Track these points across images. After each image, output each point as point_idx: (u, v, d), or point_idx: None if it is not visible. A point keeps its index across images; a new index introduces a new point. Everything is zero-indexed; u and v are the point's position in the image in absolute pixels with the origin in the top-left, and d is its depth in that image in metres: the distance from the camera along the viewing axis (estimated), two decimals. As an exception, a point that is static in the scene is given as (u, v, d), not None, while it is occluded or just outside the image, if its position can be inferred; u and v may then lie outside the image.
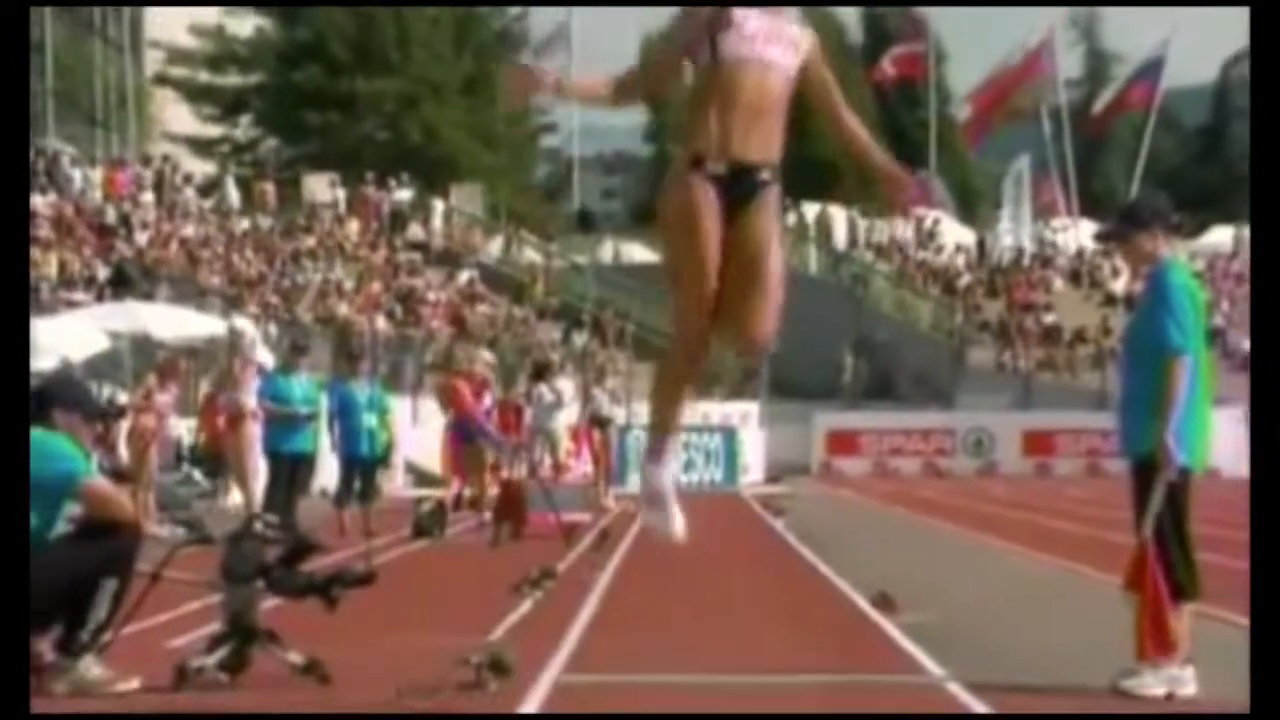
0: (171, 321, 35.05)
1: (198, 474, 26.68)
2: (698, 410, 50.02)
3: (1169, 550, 9.29)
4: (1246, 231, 66.62)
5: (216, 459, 26.31)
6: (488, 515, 23.54)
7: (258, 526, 10.19)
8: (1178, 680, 9.12)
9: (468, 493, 27.07)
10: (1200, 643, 9.45)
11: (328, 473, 24.86)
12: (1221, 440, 11.77)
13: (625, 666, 10.35)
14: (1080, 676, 9.64)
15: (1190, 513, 9.47)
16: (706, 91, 6.79)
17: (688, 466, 47.16)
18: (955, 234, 67.33)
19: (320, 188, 57.90)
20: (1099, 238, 9.89)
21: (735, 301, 7.04)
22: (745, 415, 50.24)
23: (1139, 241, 9.70)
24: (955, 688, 9.56)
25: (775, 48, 6.85)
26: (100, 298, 38.71)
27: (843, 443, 52.47)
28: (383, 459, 25.00)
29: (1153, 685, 9.14)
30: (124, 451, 24.52)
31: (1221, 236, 68.03)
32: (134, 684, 9.18)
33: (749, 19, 6.85)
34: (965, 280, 62.95)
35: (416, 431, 38.87)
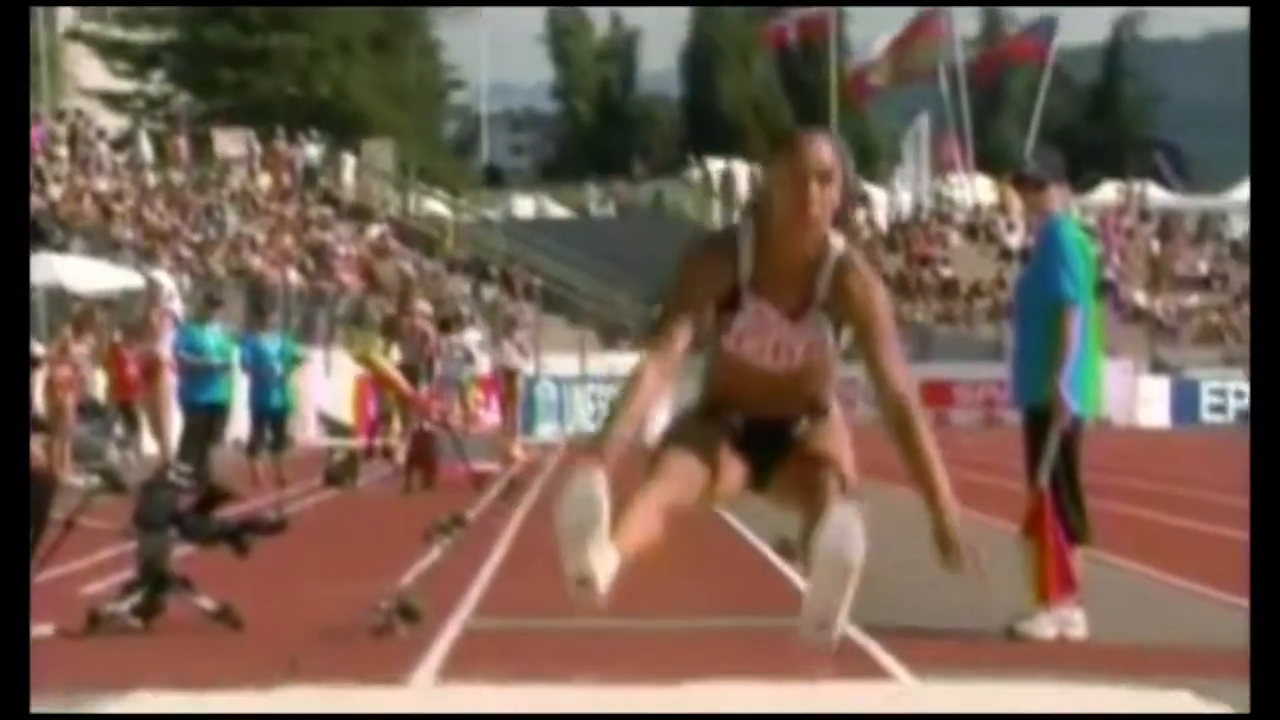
0: (86, 274, 34.77)
1: (118, 425, 26.51)
2: (604, 361, 50.07)
3: (1063, 497, 9.39)
4: (1136, 187, 67.17)
5: (124, 408, 26.16)
6: (400, 453, 23.50)
7: (171, 475, 10.15)
8: (1067, 622, 9.23)
9: (379, 442, 27.01)
10: (1089, 586, 9.56)
11: (241, 423, 24.76)
12: (1111, 390, 11.85)
13: (534, 611, 10.36)
14: (976, 621, 9.72)
15: (1081, 461, 9.57)
16: (715, 362, 5.68)
17: (595, 417, 47.20)
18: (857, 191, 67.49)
19: (232, 143, 57.45)
20: (1014, 182, 9.96)
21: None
22: (650, 366, 50.25)
23: (1033, 197, 9.77)
24: (854, 631, 9.59)
25: (783, 359, 5.53)
26: (15, 250, 38.27)
27: (747, 394, 52.54)
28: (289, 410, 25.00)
29: (1045, 627, 9.24)
30: (40, 402, 24.34)
31: (1112, 193, 68.51)
32: (47, 630, 9.13)
33: (753, 334, 5.51)
34: (865, 235, 63.16)
35: (329, 383, 38.72)
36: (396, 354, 24.44)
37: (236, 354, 23.41)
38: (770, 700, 7.05)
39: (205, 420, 21.51)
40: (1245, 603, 10.87)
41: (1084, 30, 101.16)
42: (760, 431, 5.65)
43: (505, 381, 30.16)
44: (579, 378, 48.10)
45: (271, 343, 24.27)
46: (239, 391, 23.65)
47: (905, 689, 7.86)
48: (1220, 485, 23.62)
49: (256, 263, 46.17)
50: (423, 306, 26.83)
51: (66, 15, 77.61)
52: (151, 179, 50.93)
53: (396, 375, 23.86)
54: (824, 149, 5.28)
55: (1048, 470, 9.40)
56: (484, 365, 32.50)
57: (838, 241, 5.39)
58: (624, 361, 50.14)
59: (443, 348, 27.13)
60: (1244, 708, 6.77)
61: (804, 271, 5.38)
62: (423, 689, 7.84)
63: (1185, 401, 53.20)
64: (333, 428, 38.63)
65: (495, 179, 70.75)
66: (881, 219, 64.94)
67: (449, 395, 27.21)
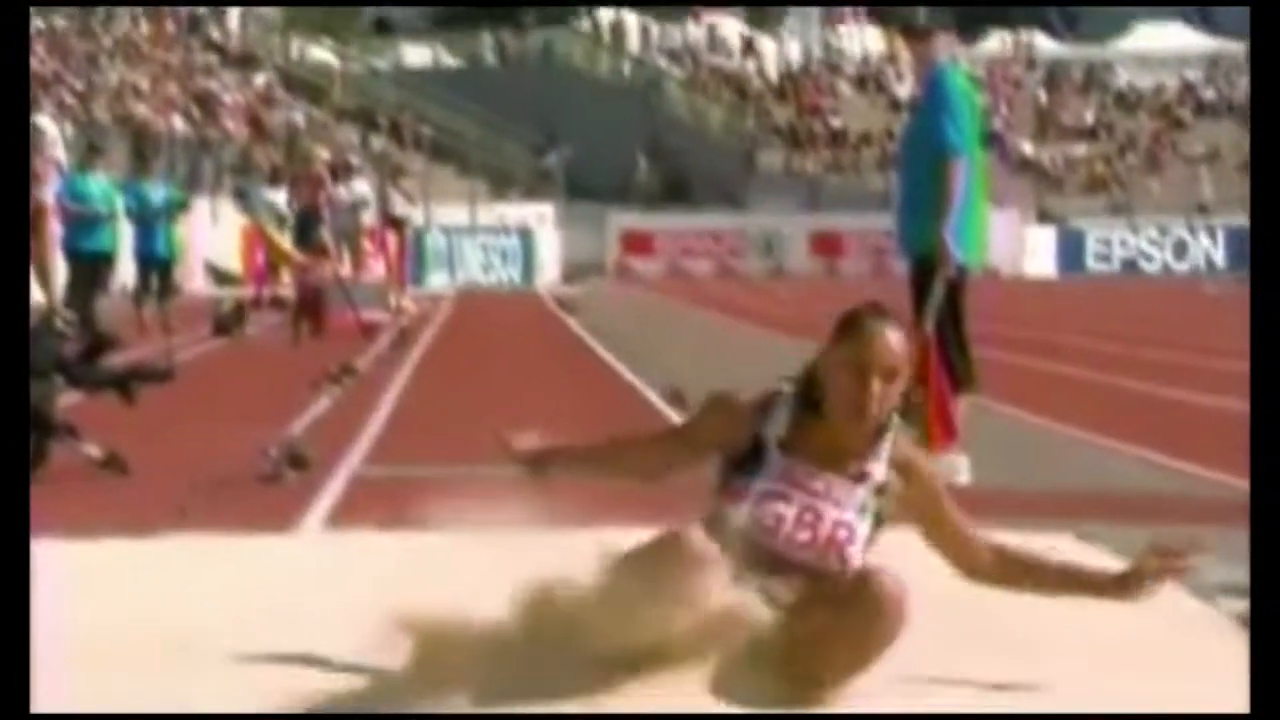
0: (-34, 121, 34.19)
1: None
2: (494, 211, 49.89)
3: (948, 345, 9.46)
4: (1023, 36, 67.23)
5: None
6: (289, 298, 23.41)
7: (57, 323, 10.06)
8: (951, 467, 9.33)
9: (267, 292, 26.85)
10: (973, 433, 9.66)
11: (127, 272, 24.55)
12: (998, 240, 11.93)
13: (423, 459, 10.37)
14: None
15: (966, 309, 9.63)
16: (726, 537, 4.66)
17: (485, 268, 47.11)
18: (746, 40, 67.27)
19: (116, -12, 56.50)
20: (902, 32, 9.95)
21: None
22: (541, 216, 50.18)
23: (920, 47, 9.77)
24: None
25: (804, 532, 4.68)
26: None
27: (637, 244, 52.58)
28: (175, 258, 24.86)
29: (931, 473, 9.34)
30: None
31: (999, 42, 68.55)
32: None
33: (776, 496, 4.69)
34: (756, 85, 63.03)
35: (216, 232, 38.41)
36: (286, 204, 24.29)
37: (120, 202, 23.17)
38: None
39: (90, 268, 21.30)
40: (1128, 448, 11.03)
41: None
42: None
43: (393, 232, 29.97)
44: (469, 228, 47.93)
45: (155, 190, 24.04)
46: (124, 240, 23.42)
47: None
48: (1105, 333, 23.89)
49: (141, 110, 45.57)
50: (320, 153, 26.63)
51: None
52: (34, 24, 50.07)
53: (289, 249, 23.74)
54: (892, 343, 4.72)
55: (932, 318, 9.46)
56: (371, 215, 32.30)
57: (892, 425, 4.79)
58: (514, 212, 50.11)
59: (331, 197, 26.94)
60: (1124, 552, 6.89)
61: (847, 454, 4.74)
62: (310, 536, 7.85)
63: (1071, 251, 53.67)
64: (220, 277, 38.37)
65: (384, 28, 69.85)
66: (771, 69, 64.80)
67: (340, 246, 27.06)
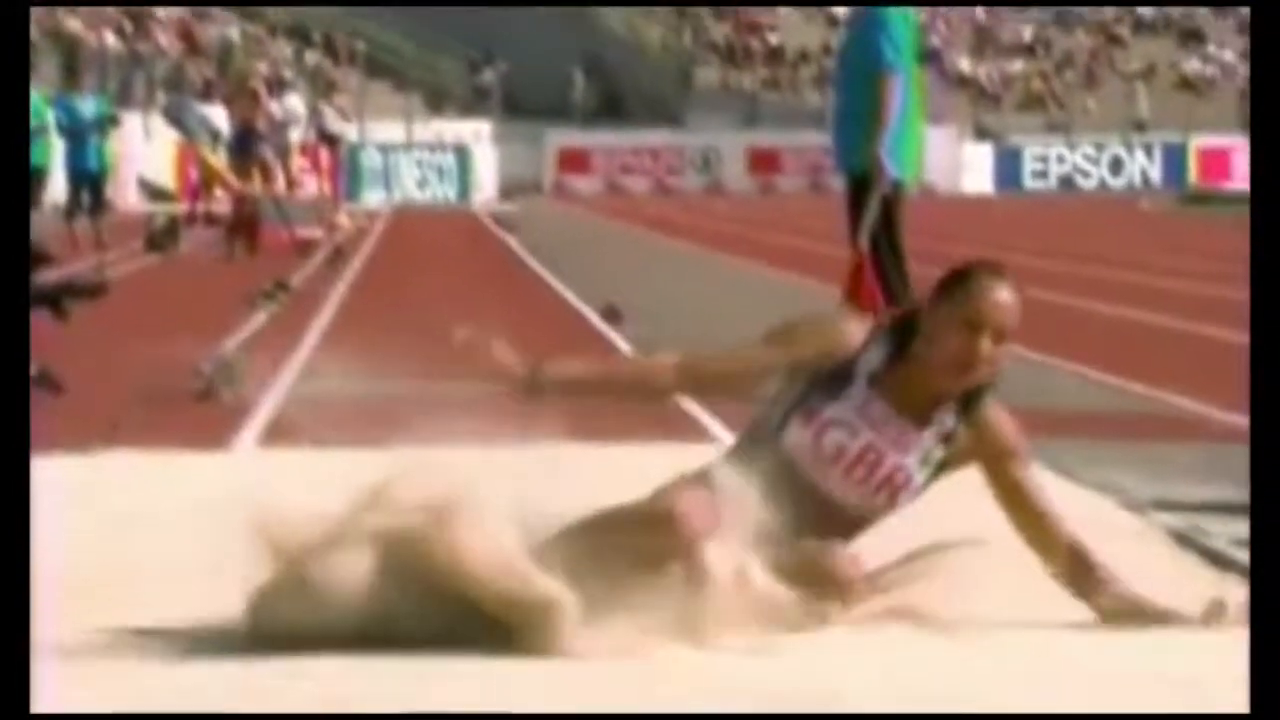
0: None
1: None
2: (430, 128, 49.65)
3: (883, 261, 9.47)
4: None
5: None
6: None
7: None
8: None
9: (201, 208, 26.70)
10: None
11: (58, 187, 24.35)
12: (935, 157, 11.92)
13: (358, 376, 10.33)
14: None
15: (902, 225, 9.64)
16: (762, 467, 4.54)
17: (422, 184, 46.92)
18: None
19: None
20: None
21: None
22: (477, 133, 49.94)
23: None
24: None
25: (857, 475, 4.57)
26: None
27: (574, 161, 52.42)
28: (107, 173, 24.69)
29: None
30: None
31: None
32: None
33: (844, 427, 4.57)
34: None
35: (148, 147, 38.12)
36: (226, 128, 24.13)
37: (50, 116, 22.96)
38: (598, 461, 7.08)
39: (21, 185, 21.12)
40: (1065, 364, 11.08)
41: None
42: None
43: (327, 148, 29.84)
44: (405, 145, 47.69)
45: (86, 105, 23.82)
46: (55, 155, 23.24)
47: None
48: (1042, 250, 23.97)
49: (72, 24, 45.10)
50: (256, 68, 26.45)
51: None
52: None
53: (222, 165, 23.57)
54: (1007, 302, 4.56)
55: (867, 234, 9.46)
56: (306, 131, 32.13)
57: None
58: (450, 129, 49.82)
59: (270, 112, 26.78)
60: (1062, 468, 6.93)
61: (931, 403, 4.62)
62: (244, 453, 7.82)
63: (1008, 168, 53.76)
64: (154, 193, 38.11)
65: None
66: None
67: (275, 162, 26.92)
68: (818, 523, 4.51)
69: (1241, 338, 13.12)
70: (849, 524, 4.57)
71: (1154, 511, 6.24)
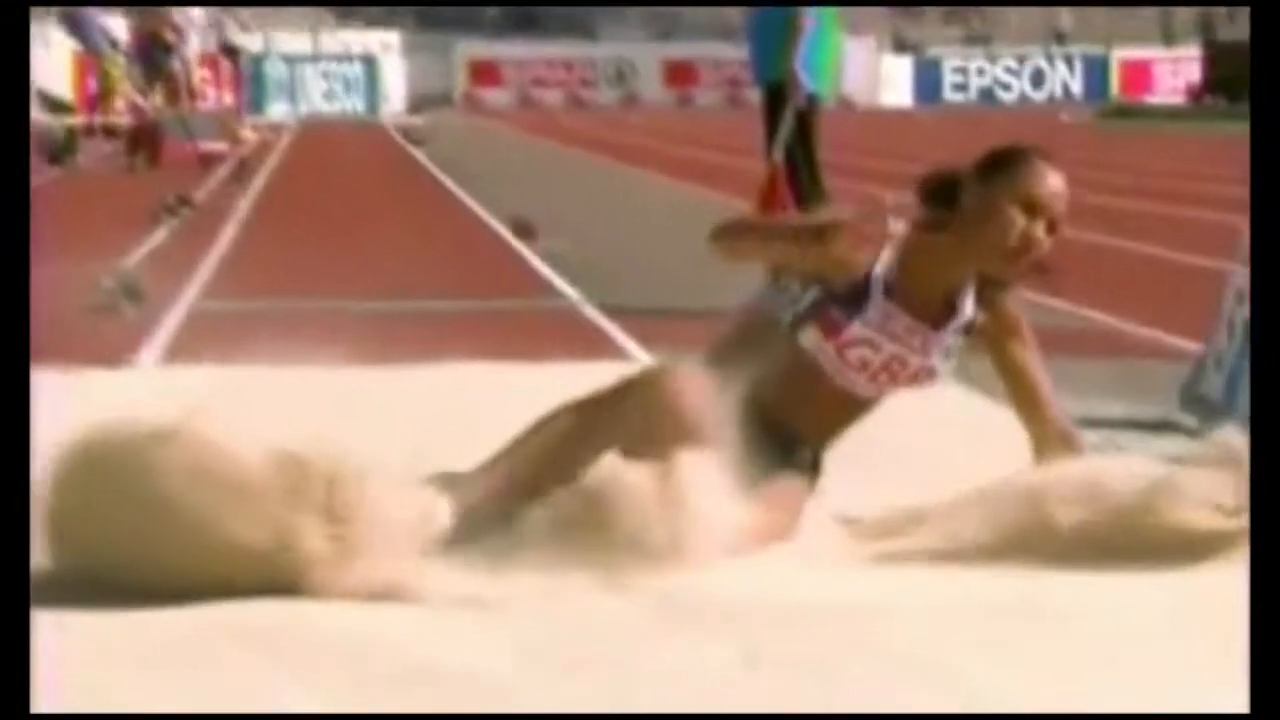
0: None
1: None
2: (337, 39, 49.27)
3: (798, 175, 9.47)
4: None
5: None
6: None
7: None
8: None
9: (99, 119, 26.41)
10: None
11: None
12: (853, 70, 11.91)
13: (263, 293, 10.28)
14: (714, 299, 9.77)
15: (819, 139, 9.64)
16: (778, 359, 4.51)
17: (328, 96, 46.59)
18: None
19: None
20: None
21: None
22: (386, 44, 49.61)
23: None
24: (592, 311, 9.68)
25: (881, 381, 4.57)
26: None
27: (485, 74, 52.13)
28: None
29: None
30: None
31: None
32: None
33: (867, 343, 4.51)
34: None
35: (47, 56, 37.67)
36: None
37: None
38: (507, 381, 7.07)
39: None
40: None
41: None
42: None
43: (229, 59, 29.57)
44: (311, 56, 47.33)
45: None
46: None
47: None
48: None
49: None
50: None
51: None
52: None
53: (123, 76, 23.35)
54: (1063, 190, 4.48)
55: (782, 146, 9.46)
56: (207, 41, 31.84)
57: None
58: (358, 39, 49.44)
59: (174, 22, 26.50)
60: (967, 379, 6.97)
61: (946, 299, 4.59)
62: (147, 370, 7.77)
63: (927, 81, 53.82)
64: (53, 105, 37.69)
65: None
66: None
67: (179, 73, 26.66)
68: (831, 406, 4.54)
69: (1160, 252, 13.22)
70: (863, 406, 4.62)
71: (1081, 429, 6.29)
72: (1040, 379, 4.72)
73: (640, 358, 8.11)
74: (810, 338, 4.50)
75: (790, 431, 4.53)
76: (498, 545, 4.02)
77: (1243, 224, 6.97)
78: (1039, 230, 4.46)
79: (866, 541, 4.42)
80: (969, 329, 4.62)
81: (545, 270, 11.57)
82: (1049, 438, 4.66)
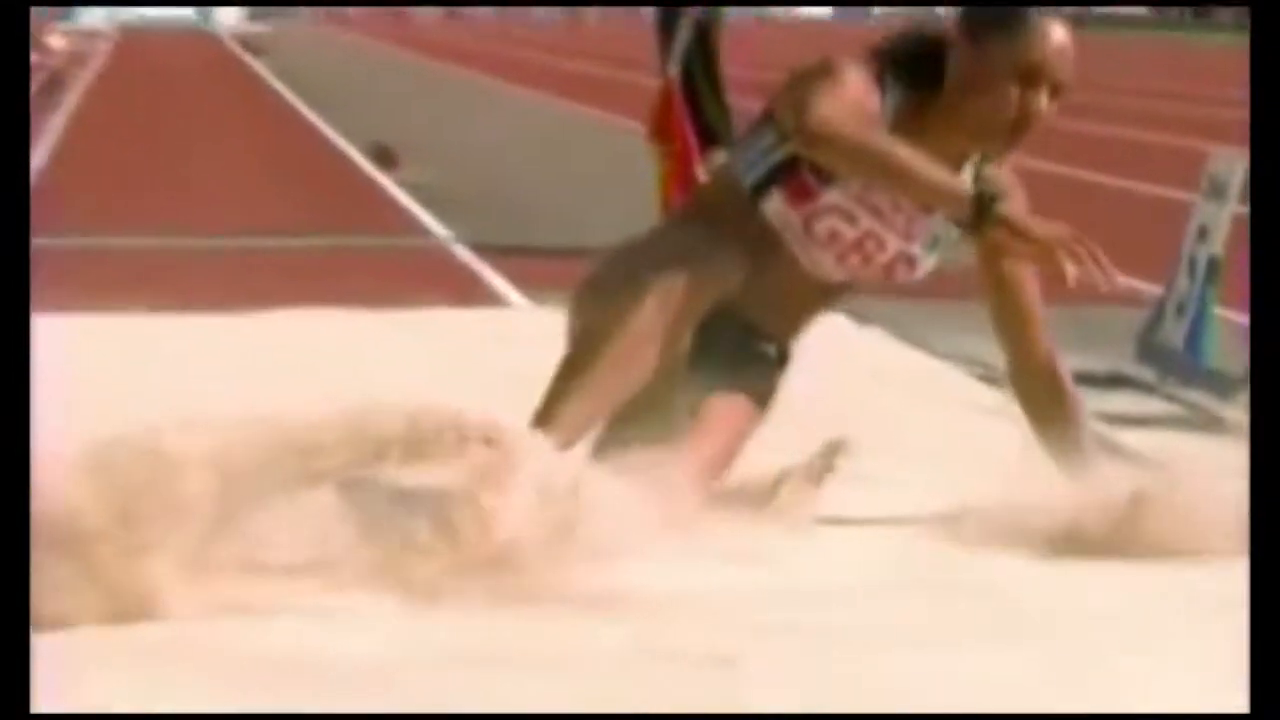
0: None
1: None
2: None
3: (697, 93, 9.45)
4: None
5: None
6: None
7: None
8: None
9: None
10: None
11: None
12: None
13: (92, 229, 10.23)
14: (600, 237, 9.78)
15: (719, 52, 9.62)
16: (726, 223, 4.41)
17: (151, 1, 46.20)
18: None
19: None
20: None
21: None
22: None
23: None
24: (463, 251, 9.69)
25: (852, 262, 4.46)
26: None
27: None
28: None
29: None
30: None
31: None
32: None
33: (840, 214, 4.41)
34: None
35: None
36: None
37: None
38: (363, 330, 7.06)
39: None
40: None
41: None
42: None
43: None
44: (133, -48, 46.92)
45: None
46: None
47: (518, 313, 7.88)
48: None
49: None
50: None
51: None
52: None
53: None
54: (1069, 48, 4.35)
55: (678, 61, 9.42)
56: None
57: None
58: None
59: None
60: (897, 329, 7.00)
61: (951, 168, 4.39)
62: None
63: (852, -12, 53.97)
64: None
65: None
66: None
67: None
68: (792, 293, 4.45)
69: (1117, 182, 13.31)
70: (827, 296, 4.53)
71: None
72: (1034, 302, 4.57)
73: (517, 302, 8.13)
74: (774, 205, 4.36)
75: (747, 322, 4.42)
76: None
77: (1206, 148, 6.99)
78: (1040, 100, 4.33)
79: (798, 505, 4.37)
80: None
81: (408, 203, 11.56)
82: (1033, 373, 4.59)
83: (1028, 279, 4.52)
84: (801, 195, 4.35)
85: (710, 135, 9.34)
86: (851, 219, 4.37)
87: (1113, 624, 3.78)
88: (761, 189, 4.36)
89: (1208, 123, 18.09)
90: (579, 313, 4.27)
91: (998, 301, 4.56)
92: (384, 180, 12.78)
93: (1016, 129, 4.33)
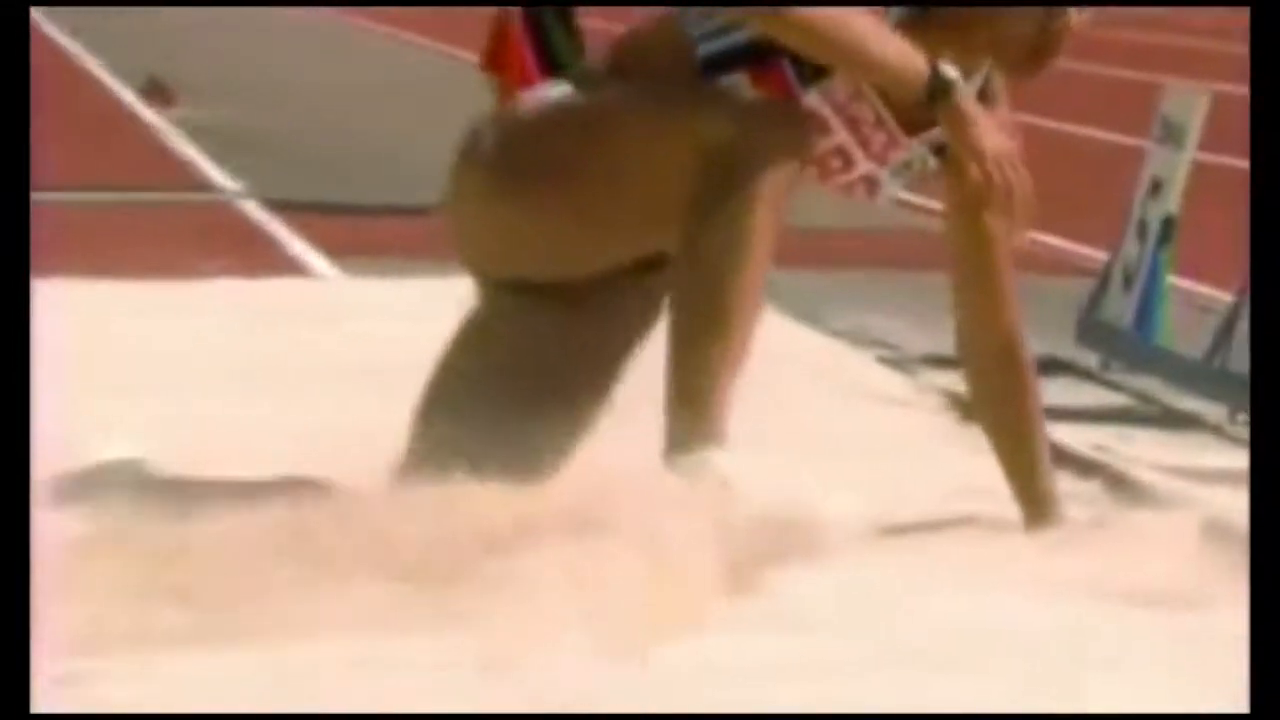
0: None
1: None
2: None
3: (542, 20, 9.43)
4: None
5: None
6: None
7: None
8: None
9: None
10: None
11: None
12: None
13: None
14: (415, 191, 9.59)
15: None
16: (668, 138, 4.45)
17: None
18: None
19: None
20: None
21: None
22: None
23: None
24: (253, 207, 9.65)
25: (816, 179, 4.58)
26: None
27: None
28: None
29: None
30: None
31: None
32: None
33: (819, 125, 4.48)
34: None
35: None
36: None
37: None
38: (151, 300, 6.98)
39: None
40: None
41: None
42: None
43: None
44: None
45: None
46: None
47: (325, 285, 7.83)
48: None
49: None
50: None
51: None
52: None
53: None
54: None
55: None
56: None
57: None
58: None
59: None
60: (787, 303, 6.86)
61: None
62: None
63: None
64: None
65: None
66: None
67: None
68: None
69: (1041, 121, 13.32)
70: None
71: (926, 370, 6.28)
72: (1005, 262, 4.56)
73: (323, 272, 8.03)
74: (733, 87, 4.36)
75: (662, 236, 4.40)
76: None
77: (1163, 81, 7.01)
78: (1071, 14, 4.38)
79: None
80: (942, 149, 4.46)
81: (188, 148, 11.53)
82: (989, 350, 4.58)
83: (1003, 240, 4.51)
84: (774, 87, 4.35)
85: (555, 63, 9.34)
86: (826, 129, 4.42)
87: (1113, 624, 3.91)
88: (718, 65, 4.35)
89: (1165, 52, 18.30)
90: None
91: (961, 258, 4.56)
92: (159, 120, 12.71)
93: (1043, 53, 4.41)
